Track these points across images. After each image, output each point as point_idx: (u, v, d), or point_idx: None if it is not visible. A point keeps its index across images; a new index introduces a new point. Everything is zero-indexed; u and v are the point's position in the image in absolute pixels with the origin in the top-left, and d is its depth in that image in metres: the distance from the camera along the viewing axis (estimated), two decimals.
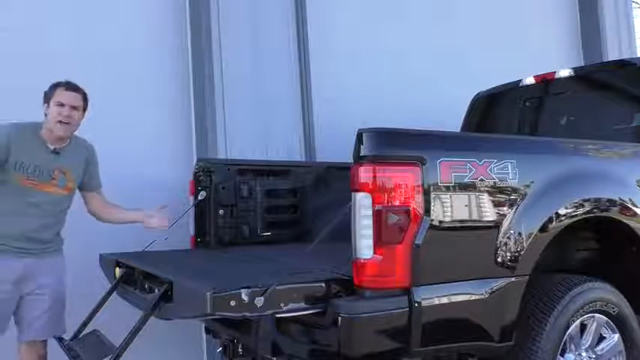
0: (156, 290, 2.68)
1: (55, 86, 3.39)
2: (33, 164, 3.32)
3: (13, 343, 3.40)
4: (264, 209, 4.01)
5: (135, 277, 3.07)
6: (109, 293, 3.26)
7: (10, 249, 3.29)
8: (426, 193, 2.42)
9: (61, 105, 3.34)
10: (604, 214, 2.93)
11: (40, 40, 4.29)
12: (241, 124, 4.75)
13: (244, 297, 2.19)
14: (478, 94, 4.93)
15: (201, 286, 2.30)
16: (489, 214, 2.58)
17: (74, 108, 3.38)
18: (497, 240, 2.58)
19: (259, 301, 2.21)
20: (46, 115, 3.38)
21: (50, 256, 3.42)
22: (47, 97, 3.39)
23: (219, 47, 4.73)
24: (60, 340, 3.25)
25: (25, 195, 3.31)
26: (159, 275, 2.73)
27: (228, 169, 3.93)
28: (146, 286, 2.89)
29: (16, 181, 3.29)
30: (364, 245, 2.35)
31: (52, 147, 3.39)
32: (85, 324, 3.22)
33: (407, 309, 2.35)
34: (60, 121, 3.34)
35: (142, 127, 4.57)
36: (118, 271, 3.24)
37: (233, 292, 2.18)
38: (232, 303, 2.18)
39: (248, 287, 2.21)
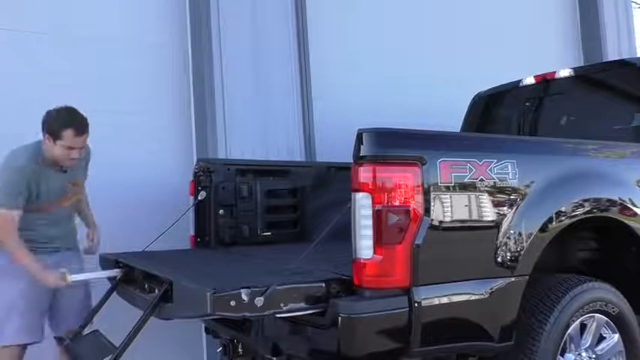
0: (156, 290, 2.68)
1: (63, 127, 3.21)
2: (48, 189, 3.32)
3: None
4: (264, 209, 4.01)
5: (135, 276, 3.07)
6: (109, 293, 3.26)
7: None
8: (426, 193, 2.41)
9: (71, 148, 3.27)
10: (604, 214, 2.93)
11: (40, 41, 4.29)
12: (241, 124, 4.74)
13: (244, 297, 2.19)
14: (478, 94, 4.93)
15: (201, 286, 2.30)
16: (489, 214, 2.57)
17: (82, 148, 3.35)
18: (497, 240, 2.58)
19: (259, 301, 2.21)
20: (47, 143, 3.26)
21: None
22: (52, 134, 3.22)
23: (219, 47, 4.73)
24: (60, 340, 3.25)
25: (43, 214, 3.36)
26: (159, 275, 2.73)
27: (228, 169, 3.92)
28: (146, 285, 2.89)
29: (36, 208, 3.29)
30: (364, 245, 2.35)
31: (59, 168, 3.37)
32: (85, 324, 3.22)
33: (407, 309, 2.35)
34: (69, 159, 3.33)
35: (142, 127, 4.56)
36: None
37: (233, 292, 2.19)
38: (232, 303, 2.18)
39: (248, 287, 2.21)
